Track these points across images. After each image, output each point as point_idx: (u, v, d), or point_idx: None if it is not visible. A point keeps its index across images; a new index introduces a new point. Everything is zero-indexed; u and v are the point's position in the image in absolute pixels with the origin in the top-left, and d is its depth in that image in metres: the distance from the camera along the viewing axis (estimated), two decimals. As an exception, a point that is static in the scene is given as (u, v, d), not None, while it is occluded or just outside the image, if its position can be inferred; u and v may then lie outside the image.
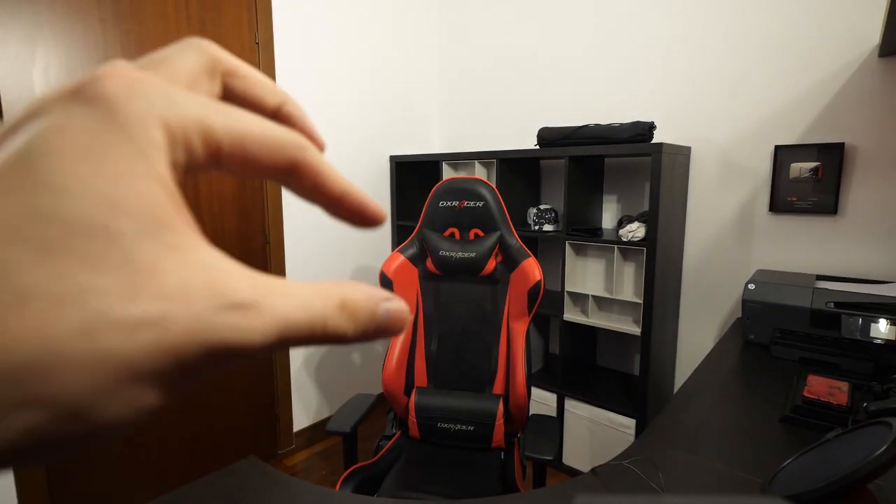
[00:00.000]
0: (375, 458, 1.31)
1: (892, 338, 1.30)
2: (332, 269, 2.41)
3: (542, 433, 1.21)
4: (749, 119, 1.81)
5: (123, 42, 1.61)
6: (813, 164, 1.69)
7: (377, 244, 2.64)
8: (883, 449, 0.49)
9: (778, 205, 1.77)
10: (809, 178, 1.70)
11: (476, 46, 2.62)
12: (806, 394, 1.04)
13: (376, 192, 2.59)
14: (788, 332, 1.43)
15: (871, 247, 1.62)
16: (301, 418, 2.34)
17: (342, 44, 2.33)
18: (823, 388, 1.07)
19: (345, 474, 1.17)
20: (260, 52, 1.98)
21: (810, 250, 1.73)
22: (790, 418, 1.02)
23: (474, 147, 2.71)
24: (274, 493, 0.80)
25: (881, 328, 1.30)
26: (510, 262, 1.42)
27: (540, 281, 1.33)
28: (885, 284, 1.50)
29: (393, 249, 2.72)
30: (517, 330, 1.39)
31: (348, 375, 2.56)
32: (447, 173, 2.41)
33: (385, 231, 2.68)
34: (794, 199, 1.73)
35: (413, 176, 2.68)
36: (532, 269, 1.35)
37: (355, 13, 2.36)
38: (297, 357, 2.29)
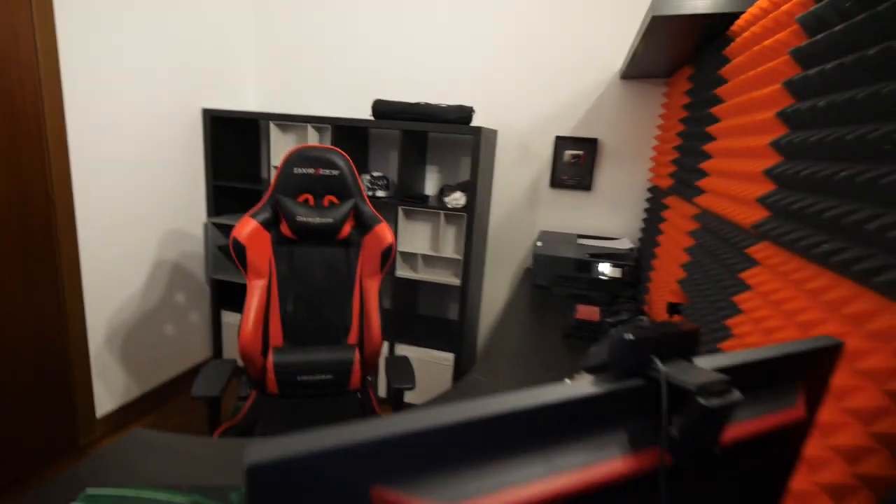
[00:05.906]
0: (240, 416, 1.35)
1: (616, 276, 1.94)
2: (138, 236, 2.13)
3: (398, 370, 1.44)
4: (540, 113, 2.30)
5: None
6: (577, 152, 2.28)
7: (190, 207, 2.41)
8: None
9: (555, 182, 2.33)
10: (575, 163, 2.29)
11: (301, 4, 2.54)
12: (577, 317, 1.52)
13: (187, 149, 2.33)
14: (563, 276, 1.97)
15: (611, 213, 2.31)
16: (105, 403, 2.07)
17: (142, -31, 1.99)
18: (586, 312, 1.57)
19: (217, 433, 1.19)
20: (31, -38, 1.57)
21: (574, 216, 2.35)
22: (569, 334, 1.48)
23: (296, 109, 2.66)
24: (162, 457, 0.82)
25: (607, 269, 1.92)
26: (363, 226, 1.57)
27: (392, 243, 1.53)
28: (617, 240, 2.19)
29: (207, 211, 2.52)
30: (370, 286, 1.57)
31: (161, 350, 2.34)
32: (275, 134, 2.34)
33: (199, 192, 2.45)
34: (566, 178, 2.31)
35: (229, 133, 2.49)
36: (385, 232, 1.53)
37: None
38: (98, 338, 2.00)
